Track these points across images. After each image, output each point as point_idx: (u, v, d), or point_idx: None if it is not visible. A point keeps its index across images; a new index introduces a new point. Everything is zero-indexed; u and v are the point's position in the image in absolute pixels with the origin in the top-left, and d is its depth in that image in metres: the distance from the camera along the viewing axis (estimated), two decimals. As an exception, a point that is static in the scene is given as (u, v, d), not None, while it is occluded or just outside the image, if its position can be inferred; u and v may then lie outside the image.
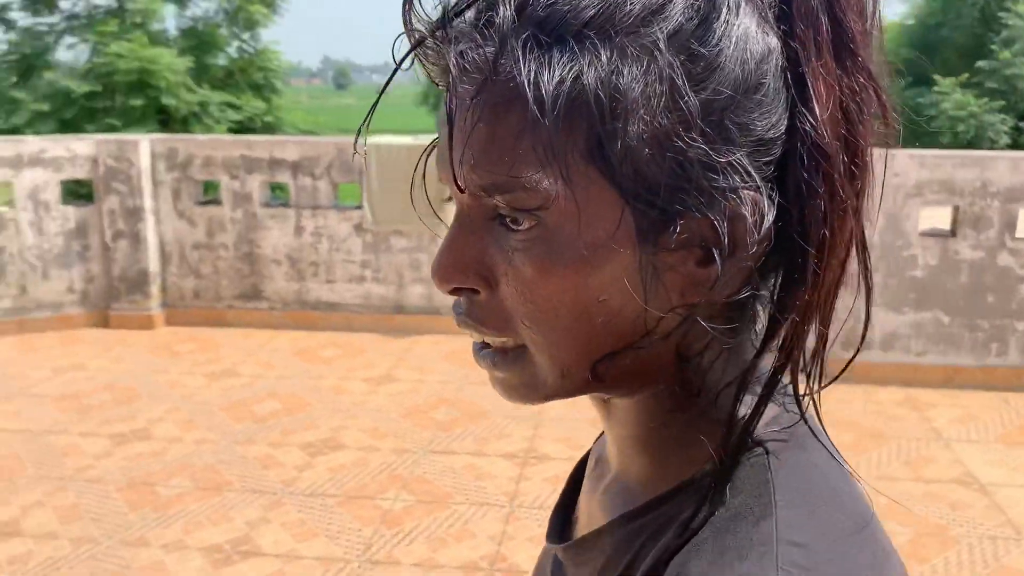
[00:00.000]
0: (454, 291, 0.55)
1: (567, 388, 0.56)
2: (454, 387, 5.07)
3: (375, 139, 6.08)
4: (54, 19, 19.34)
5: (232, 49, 20.01)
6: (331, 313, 6.09)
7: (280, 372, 5.32)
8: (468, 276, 0.54)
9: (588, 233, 0.50)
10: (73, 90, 15.97)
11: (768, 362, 0.55)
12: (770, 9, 0.50)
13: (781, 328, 0.53)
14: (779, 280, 0.54)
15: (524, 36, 0.47)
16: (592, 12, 0.47)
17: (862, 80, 0.51)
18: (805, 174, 0.50)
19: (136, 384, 5.15)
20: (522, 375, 0.56)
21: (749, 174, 0.50)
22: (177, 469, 4.03)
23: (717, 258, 0.50)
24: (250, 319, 6.17)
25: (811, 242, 0.51)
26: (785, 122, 0.50)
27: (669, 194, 0.49)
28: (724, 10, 0.48)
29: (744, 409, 0.54)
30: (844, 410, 4.70)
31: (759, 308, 0.56)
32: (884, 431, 4.50)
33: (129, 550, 3.33)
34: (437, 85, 0.54)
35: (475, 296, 0.55)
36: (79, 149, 6.10)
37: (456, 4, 0.50)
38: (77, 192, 7.46)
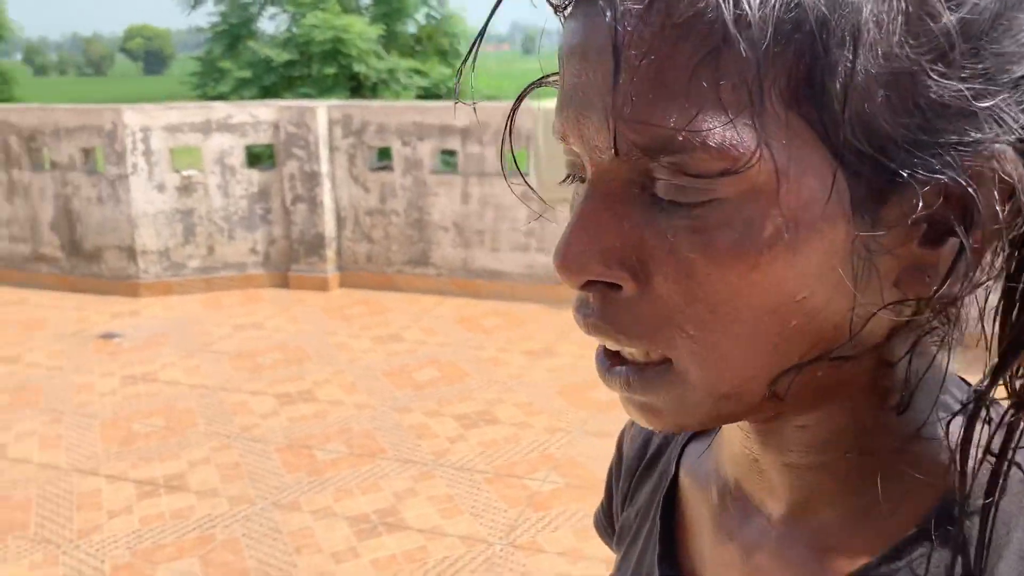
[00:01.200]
0: (586, 285, 0.42)
1: (732, 411, 0.44)
2: (616, 364, 4.86)
3: (545, 103, 5.91)
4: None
5: (420, 15, 20.38)
6: (495, 282, 6.02)
7: (442, 339, 5.31)
8: (610, 266, 0.41)
9: (788, 207, 0.38)
10: (273, 59, 16.85)
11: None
12: None
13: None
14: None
15: None
16: None
17: None
18: None
19: (307, 345, 5.30)
20: (669, 397, 0.43)
21: (1007, 124, 0.38)
22: (335, 433, 4.08)
23: (962, 235, 0.38)
24: (418, 284, 6.22)
25: None
26: None
27: (905, 151, 0.38)
28: None
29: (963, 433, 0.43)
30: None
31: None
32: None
33: (281, 513, 3.38)
34: (556, 9, 0.43)
35: (614, 293, 0.42)
36: (262, 115, 6.33)
37: None
38: (260, 157, 7.80)
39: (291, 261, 6.45)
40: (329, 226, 6.35)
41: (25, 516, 3.38)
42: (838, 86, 0.36)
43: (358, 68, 16.38)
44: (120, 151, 6.15)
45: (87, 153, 6.38)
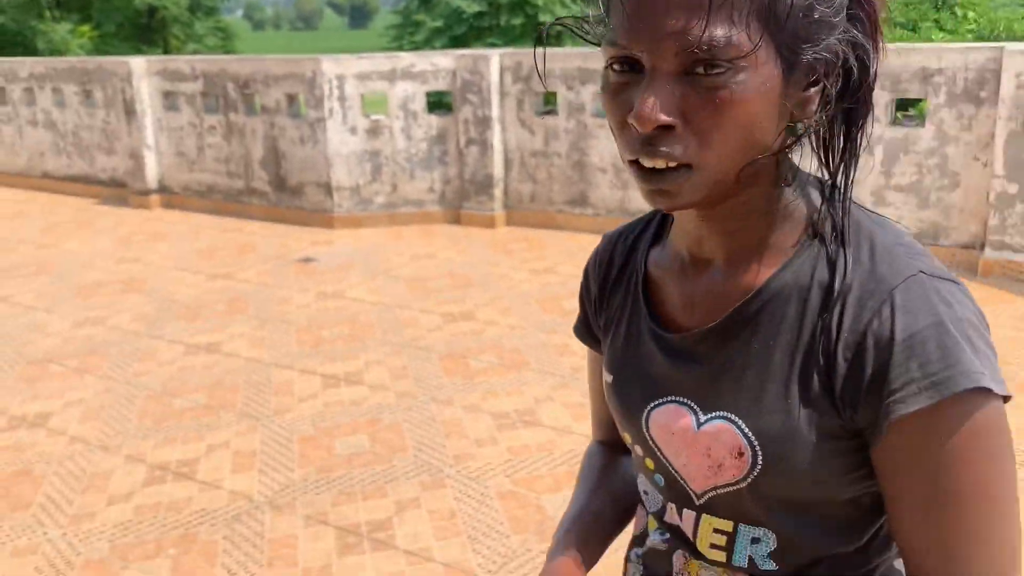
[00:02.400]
0: (660, 127, 0.73)
1: (717, 192, 0.77)
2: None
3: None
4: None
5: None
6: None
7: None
8: (672, 113, 0.72)
9: (759, 75, 0.72)
10: (464, 10, 17.48)
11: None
12: None
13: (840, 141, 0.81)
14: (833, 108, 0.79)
15: None
16: None
17: None
18: (864, 24, 0.77)
19: (472, 274, 5.85)
20: (685, 184, 0.75)
21: (847, 30, 0.76)
22: (488, 347, 4.59)
23: (824, 82, 0.76)
24: (577, 224, 6.61)
25: (869, 76, 0.77)
26: None
27: (807, 43, 0.73)
28: None
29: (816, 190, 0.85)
30: None
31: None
32: None
33: (437, 407, 3.93)
34: None
35: (670, 131, 0.73)
36: (441, 63, 6.87)
37: None
38: (440, 103, 8.39)
39: (463, 199, 7.02)
40: (498, 168, 6.85)
41: (234, 397, 4.13)
42: (786, 12, 0.72)
43: (544, 18, 16.71)
44: (319, 97, 6.90)
45: (291, 99, 7.19)
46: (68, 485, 3.38)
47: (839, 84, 0.76)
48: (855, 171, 0.82)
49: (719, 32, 0.69)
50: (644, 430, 0.91)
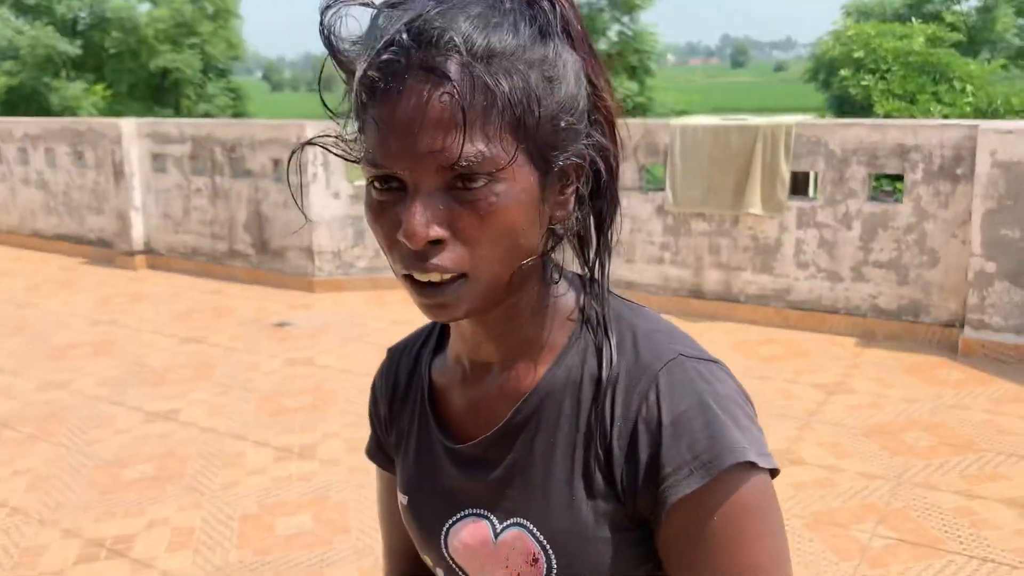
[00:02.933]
0: (429, 243, 0.72)
1: (490, 298, 0.78)
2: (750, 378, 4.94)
3: (680, 120, 6.06)
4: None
5: (613, 32, 20.64)
6: (629, 291, 6.22)
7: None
8: (441, 228, 0.72)
9: (517, 184, 0.73)
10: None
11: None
12: (560, 28, 0.76)
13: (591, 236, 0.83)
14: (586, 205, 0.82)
15: (480, 53, 0.70)
16: (510, 38, 0.72)
17: (600, 59, 0.80)
18: (603, 127, 0.80)
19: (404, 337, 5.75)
20: (462, 294, 0.75)
21: (590, 135, 0.78)
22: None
23: (577, 186, 0.79)
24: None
25: (610, 169, 0.80)
26: (585, 98, 0.78)
27: (556, 150, 0.75)
28: (555, 41, 0.75)
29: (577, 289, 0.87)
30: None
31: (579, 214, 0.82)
32: None
33: (388, 484, 3.81)
34: (368, 94, 0.72)
35: (437, 245, 0.73)
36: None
37: (397, 32, 0.70)
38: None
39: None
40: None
41: (183, 469, 4.02)
42: (533, 125, 0.72)
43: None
44: (302, 162, 6.92)
45: (276, 163, 7.22)
46: (-5, 561, 3.26)
47: (589, 184, 0.80)
48: (610, 263, 0.84)
49: (475, 148, 0.70)
50: (444, 550, 0.89)
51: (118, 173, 7.98)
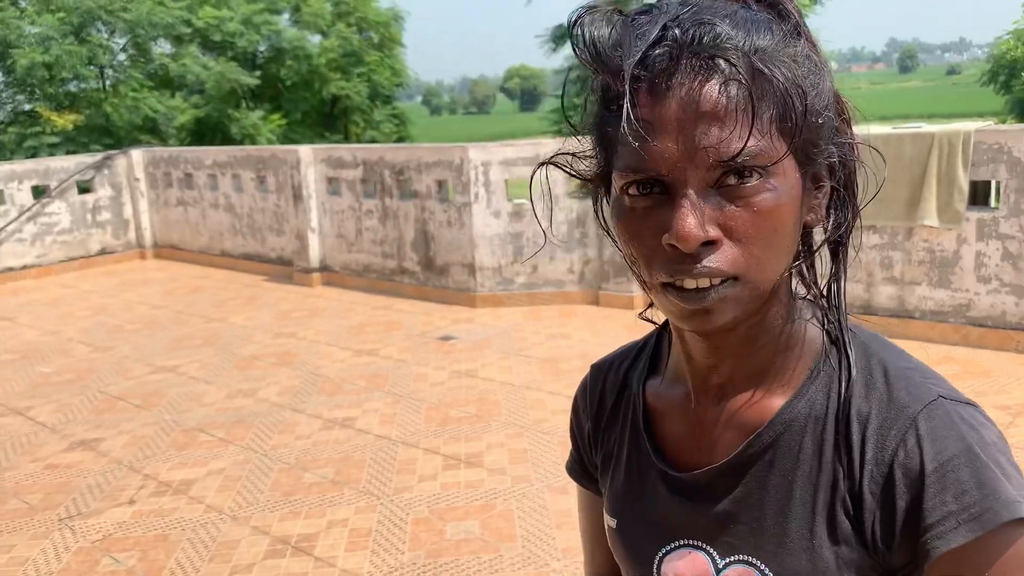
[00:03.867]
0: (704, 244, 0.70)
1: (755, 306, 0.75)
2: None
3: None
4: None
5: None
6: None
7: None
8: (713, 229, 0.70)
9: (787, 181, 0.72)
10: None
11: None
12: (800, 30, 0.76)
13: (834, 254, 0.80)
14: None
15: (754, 51, 0.70)
16: (769, 38, 0.71)
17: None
18: (845, 130, 0.78)
19: (603, 355, 5.79)
20: (730, 299, 0.72)
21: (841, 133, 0.77)
22: (612, 434, 4.51)
23: (829, 184, 0.77)
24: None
25: (850, 178, 0.78)
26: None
27: (817, 150, 0.74)
28: (807, 35, 0.75)
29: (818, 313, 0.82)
30: None
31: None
32: None
33: (551, 495, 3.89)
34: (632, 94, 0.70)
35: (713, 246, 0.70)
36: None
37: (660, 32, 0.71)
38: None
39: (602, 280, 7.03)
40: (639, 249, 6.81)
41: (359, 473, 4.26)
42: (798, 120, 0.71)
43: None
44: (465, 182, 7.18)
45: (440, 184, 7.52)
46: (198, 553, 3.57)
47: (839, 189, 0.78)
48: (846, 283, 0.80)
49: (752, 141, 0.68)
50: None
51: (297, 196, 8.54)
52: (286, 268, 9.07)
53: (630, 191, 0.73)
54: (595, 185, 0.82)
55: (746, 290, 0.72)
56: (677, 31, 0.68)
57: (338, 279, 8.57)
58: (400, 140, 27.21)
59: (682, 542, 0.84)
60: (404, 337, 6.68)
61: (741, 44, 0.69)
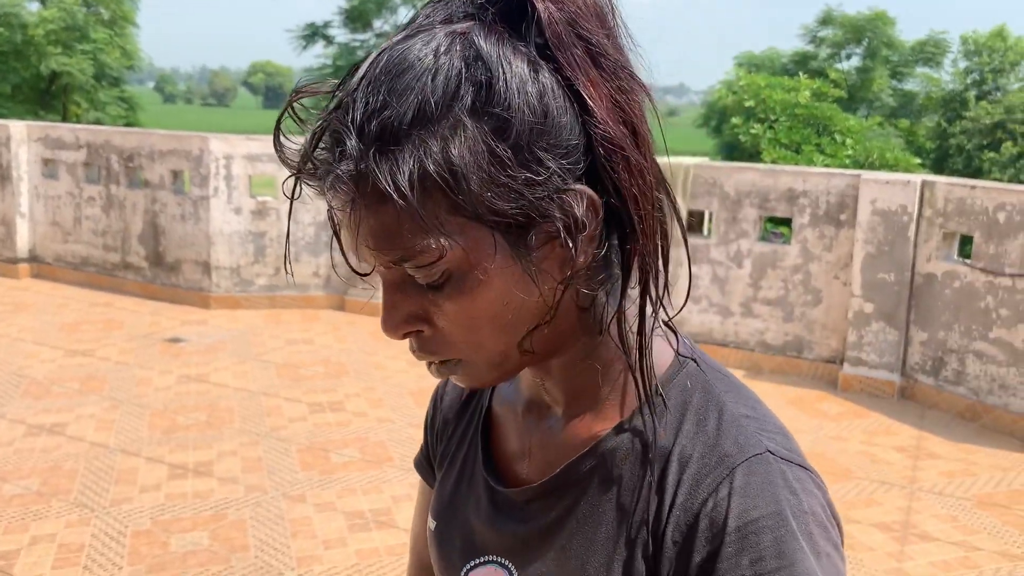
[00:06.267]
0: (404, 335, 0.68)
1: (507, 370, 0.72)
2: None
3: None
4: (366, 36, 21.62)
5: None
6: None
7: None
8: (413, 323, 0.68)
9: (479, 264, 0.64)
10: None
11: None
12: (534, 49, 0.64)
13: (630, 275, 0.70)
14: (616, 239, 0.69)
15: (372, 152, 0.61)
16: (411, 114, 0.61)
17: (623, 78, 0.66)
18: (605, 157, 0.65)
19: (348, 361, 5.73)
20: (466, 375, 0.71)
21: (565, 176, 0.64)
22: (352, 440, 4.46)
23: (567, 240, 0.65)
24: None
25: (628, 206, 0.66)
26: (579, 127, 0.65)
27: (518, 212, 0.64)
28: (499, 72, 0.62)
29: (634, 338, 0.72)
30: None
31: (615, 259, 0.70)
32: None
33: (288, 503, 3.77)
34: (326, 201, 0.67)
35: (421, 334, 0.68)
36: (333, 151, 6.87)
37: (311, 145, 0.65)
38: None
39: (349, 286, 6.94)
40: (385, 256, 6.81)
41: (70, 484, 3.86)
42: (468, 198, 0.62)
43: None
44: (205, 175, 6.79)
45: (176, 175, 7.05)
46: None
47: (595, 226, 0.66)
48: (656, 318, 0.72)
49: (411, 245, 0.63)
50: None
51: (4, 177, 7.62)
52: (-14, 256, 8.06)
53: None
54: None
55: (475, 367, 0.71)
56: (319, 148, 0.65)
57: (50, 272, 7.75)
58: (129, 125, 25.22)
59: (489, 558, 0.81)
60: (126, 338, 6.17)
61: (366, 135, 0.61)
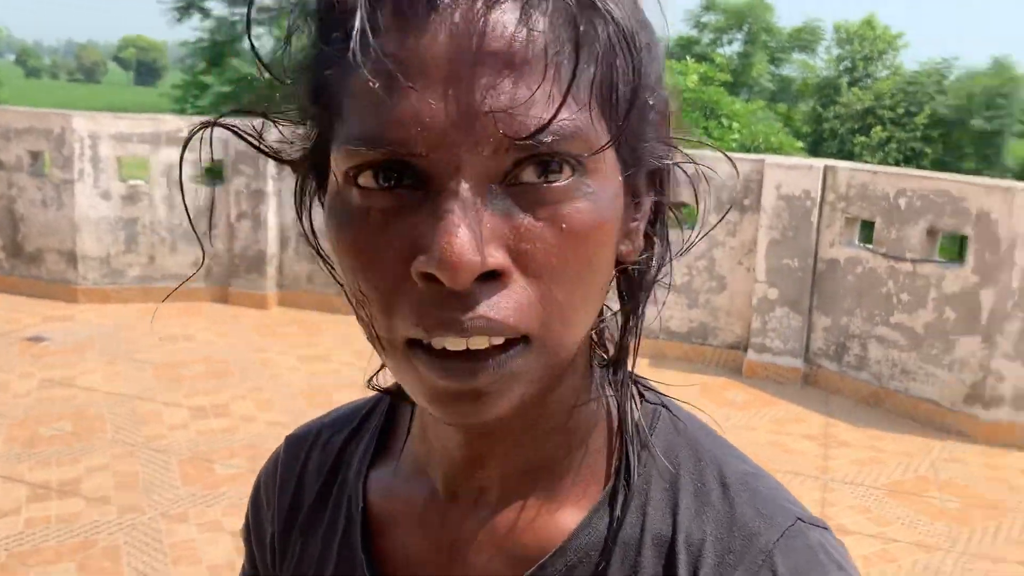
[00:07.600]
0: (473, 283, 0.42)
1: (548, 381, 0.49)
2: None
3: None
4: (244, 9, 20.65)
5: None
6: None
7: (373, 363, 5.33)
8: (500, 252, 0.43)
9: (609, 185, 0.46)
10: (256, 76, 16.95)
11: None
12: None
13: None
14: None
15: None
16: None
17: None
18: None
19: (233, 359, 5.32)
20: (516, 373, 0.45)
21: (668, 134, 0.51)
22: (240, 449, 4.09)
23: (651, 201, 0.51)
24: (354, 308, 6.25)
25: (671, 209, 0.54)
26: None
27: (646, 145, 0.49)
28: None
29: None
30: (956, 472, 4.18)
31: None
32: (1004, 501, 3.97)
33: (168, 524, 3.39)
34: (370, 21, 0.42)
35: (494, 281, 0.43)
36: (214, 131, 6.37)
37: None
38: (212, 172, 7.84)
39: (232, 276, 6.48)
40: (272, 244, 6.39)
41: (-91, 512, 3.37)
42: (625, 96, 0.45)
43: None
44: (68, 156, 6.19)
45: (35, 156, 6.41)
46: None
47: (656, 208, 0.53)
48: (639, 345, 0.55)
49: (566, 112, 0.42)
50: None
51: None
52: None
53: (361, 180, 0.45)
54: (300, 171, 0.53)
55: (540, 360, 0.46)
56: None
57: None
58: (-16, 102, 23.42)
59: None
60: (-20, 336, 5.56)
61: None
